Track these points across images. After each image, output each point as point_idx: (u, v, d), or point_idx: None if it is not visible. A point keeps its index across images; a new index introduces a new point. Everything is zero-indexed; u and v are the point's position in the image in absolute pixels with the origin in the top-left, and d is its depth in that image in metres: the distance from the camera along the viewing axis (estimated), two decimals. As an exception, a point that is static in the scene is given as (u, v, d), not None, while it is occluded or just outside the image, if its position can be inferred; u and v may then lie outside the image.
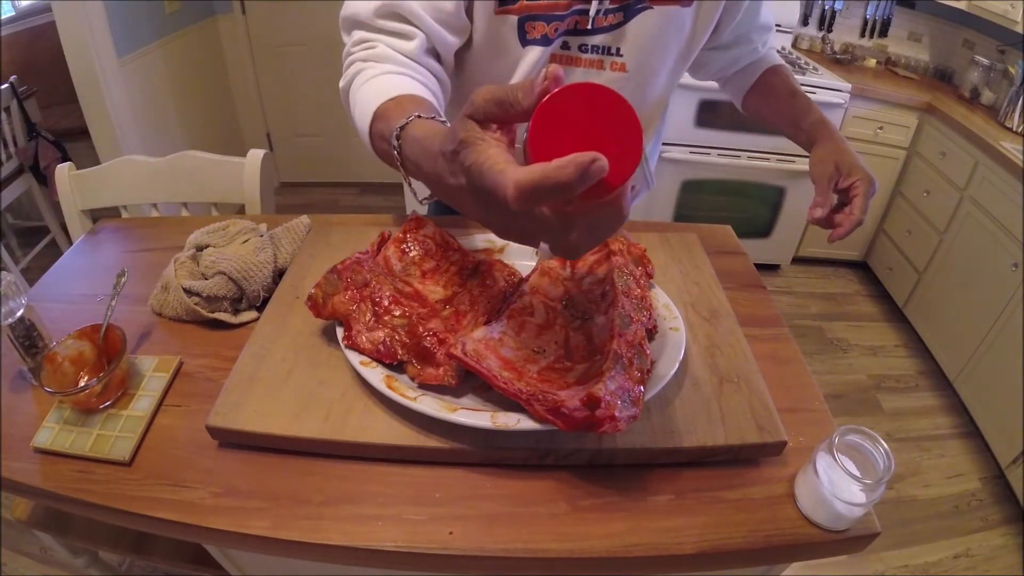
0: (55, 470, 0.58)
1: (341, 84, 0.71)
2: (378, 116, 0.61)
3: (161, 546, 0.87)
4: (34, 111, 2.34)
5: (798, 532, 0.53)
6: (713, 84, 2.18)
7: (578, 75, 0.77)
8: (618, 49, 0.76)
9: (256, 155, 1.13)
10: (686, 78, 1.73)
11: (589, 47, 0.76)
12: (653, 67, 0.79)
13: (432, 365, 0.59)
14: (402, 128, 0.54)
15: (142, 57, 2.22)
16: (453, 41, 0.73)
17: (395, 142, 0.55)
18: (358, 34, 0.71)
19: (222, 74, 2.87)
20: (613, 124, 0.38)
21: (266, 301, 0.74)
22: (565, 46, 0.75)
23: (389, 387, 0.57)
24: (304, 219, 0.88)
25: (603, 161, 0.34)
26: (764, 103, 0.96)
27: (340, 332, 0.63)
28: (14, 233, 2.52)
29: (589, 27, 0.73)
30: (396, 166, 0.56)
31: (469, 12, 0.73)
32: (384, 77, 0.66)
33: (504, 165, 0.38)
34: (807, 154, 0.83)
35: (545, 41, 0.73)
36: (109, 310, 0.68)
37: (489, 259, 0.73)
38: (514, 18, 0.71)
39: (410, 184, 0.59)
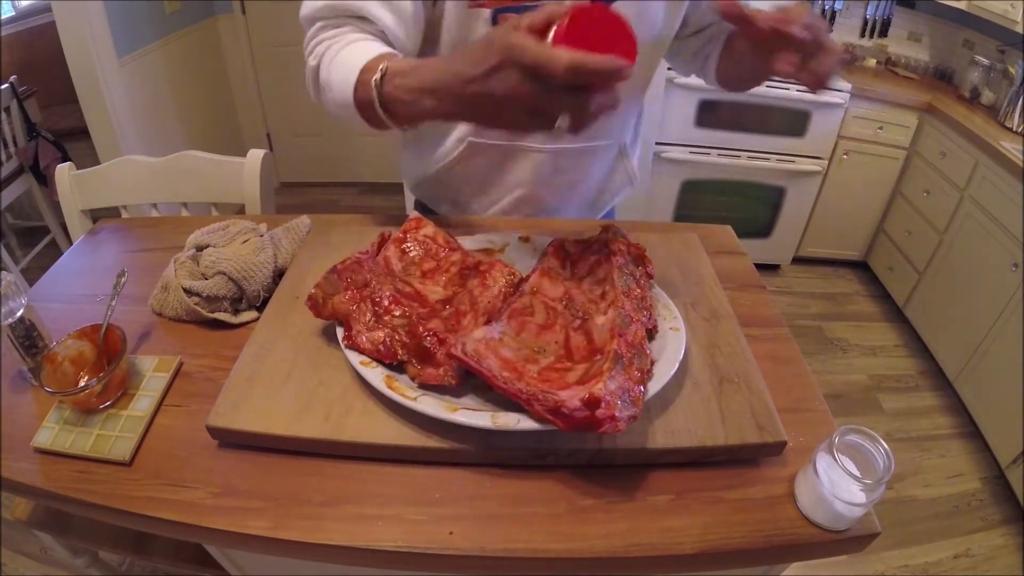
0: (55, 470, 0.58)
1: (311, 63, 0.72)
2: (365, 69, 0.64)
3: (161, 546, 0.87)
4: (34, 111, 2.35)
5: (798, 532, 0.53)
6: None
7: None
8: None
9: (256, 155, 1.13)
10: (683, 78, 1.73)
11: None
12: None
13: (432, 365, 0.59)
14: (385, 70, 0.61)
15: (142, 57, 2.22)
16: (409, 47, 0.73)
17: (377, 77, 0.61)
18: (319, 23, 0.72)
19: (222, 74, 2.87)
20: (617, 37, 0.49)
21: (266, 301, 0.74)
22: None
23: (389, 387, 0.57)
24: (304, 219, 0.88)
25: (629, 69, 0.45)
26: (732, 64, 0.85)
27: (340, 332, 0.63)
28: (14, 233, 2.52)
29: None
30: (376, 111, 0.62)
31: (430, 12, 0.73)
32: (360, 43, 0.68)
33: (550, 47, 0.47)
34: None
35: None
36: (109, 310, 0.68)
37: (489, 259, 0.73)
38: (487, 12, 0.71)
39: (383, 123, 0.64)
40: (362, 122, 0.68)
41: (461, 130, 0.86)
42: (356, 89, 0.65)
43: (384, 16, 0.70)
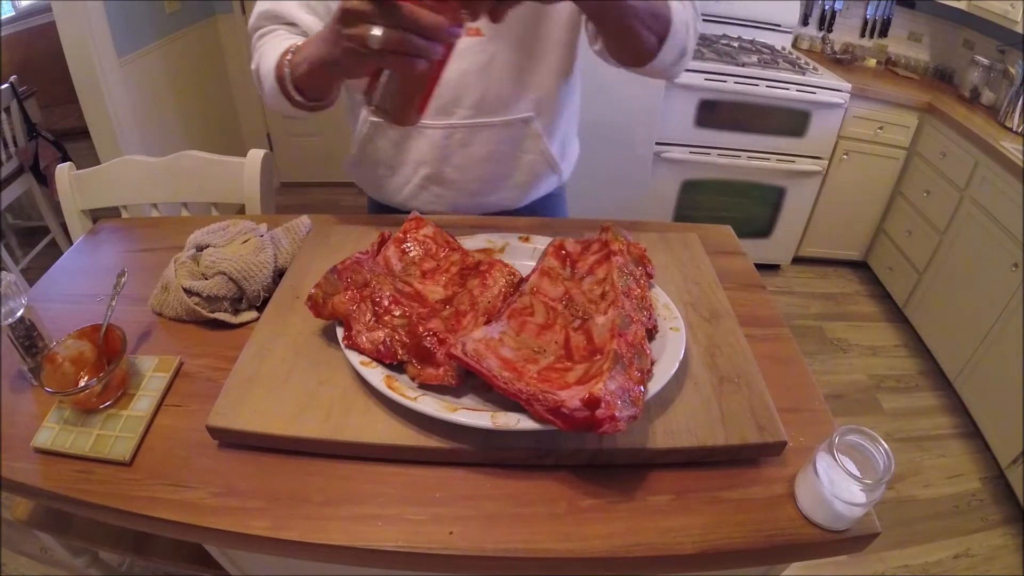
0: (55, 470, 0.58)
1: (252, 67, 0.84)
2: (283, 53, 0.76)
3: (161, 546, 0.87)
4: (34, 111, 2.34)
5: (798, 532, 0.53)
6: (713, 84, 2.17)
7: None
8: None
9: (256, 155, 1.13)
10: (684, 77, 1.70)
11: None
12: (510, 26, 0.80)
13: (432, 365, 0.59)
14: (295, 47, 0.74)
15: (142, 57, 2.22)
16: None
17: (288, 57, 0.73)
18: (258, 33, 0.86)
19: (222, 74, 2.87)
20: None
21: (266, 301, 0.74)
22: None
23: (389, 387, 0.57)
24: (304, 219, 0.88)
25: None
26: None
27: (340, 332, 0.63)
28: (14, 233, 2.52)
29: None
30: (287, 86, 0.74)
31: None
32: (285, 41, 0.80)
33: None
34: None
35: None
36: (109, 310, 0.68)
37: (489, 259, 0.73)
38: None
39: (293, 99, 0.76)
40: (286, 102, 0.78)
41: (365, 111, 0.90)
42: (276, 70, 0.76)
43: (305, 17, 0.83)
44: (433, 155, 0.91)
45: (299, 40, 0.78)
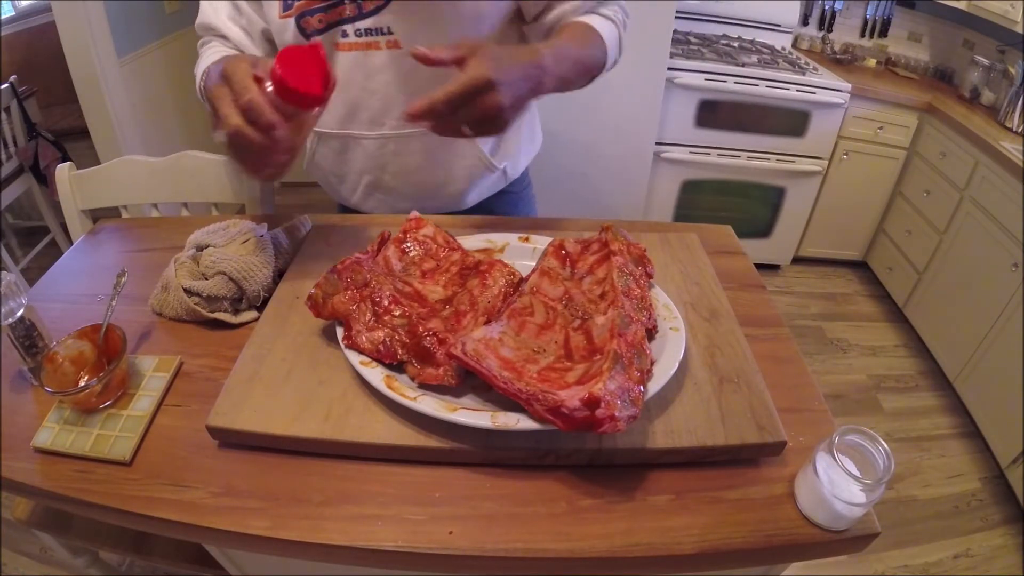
0: (55, 470, 0.58)
1: (197, 79, 0.89)
2: (205, 72, 0.81)
3: (161, 546, 0.87)
4: (34, 111, 2.34)
5: (798, 532, 0.53)
6: (713, 84, 2.17)
7: (355, 58, 0.82)
8: (389, 28, 0.80)
9: (256, 155, 1.13)
10: (684, 77, 1.71)
11: (363, 31, 0.81)
12: (429, 38, 0.79)
13: (432, 365, 0.59)
14: (208, 67, 0.79)
15: (142, 57, 2.22)
16: (259, 55, 0.86)
17: (200, 79, 0.80)
18: (202, 39, 0.91)
19: (222, 74, 2.86)
20: (308, 65, 0.61)
21: (266, 301, 0.74)
22: (344, 34, 0.81)
23: (389, 387, 0.57)
24: (304, 219, 0.88)
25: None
26: None
27: (340, 332, 0.63)
28: (14, 233, 2.52)
29: (357, 12, 0.79)
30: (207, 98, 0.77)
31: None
32: (215, 54, 0.85)
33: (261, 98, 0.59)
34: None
35: (320, 31, 0.81)
36: (109, 310, 0.68)
37: (489, 259, 0.73)
38: (291, 20, 0.80)
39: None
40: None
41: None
42: (199, 80, 0.83)
43: (235, 32, 0.87)
44: (370, 164, 0.92)
45: (224, 52, 0.85)
